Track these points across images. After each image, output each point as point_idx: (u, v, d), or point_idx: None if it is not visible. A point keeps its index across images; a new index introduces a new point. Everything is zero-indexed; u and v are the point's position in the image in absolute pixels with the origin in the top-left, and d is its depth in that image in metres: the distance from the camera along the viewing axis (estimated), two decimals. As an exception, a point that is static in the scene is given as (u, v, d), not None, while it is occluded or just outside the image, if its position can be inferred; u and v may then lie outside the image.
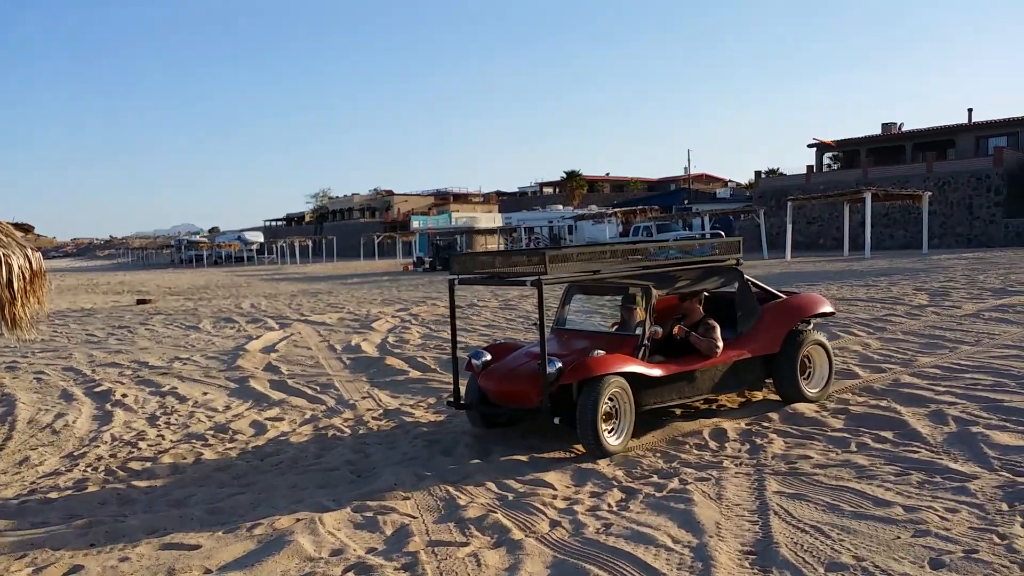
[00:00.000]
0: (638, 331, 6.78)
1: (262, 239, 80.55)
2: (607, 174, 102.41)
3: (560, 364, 6.35)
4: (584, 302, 7.76)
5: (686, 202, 61.23)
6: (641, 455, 6.34)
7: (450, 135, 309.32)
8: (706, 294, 7.67)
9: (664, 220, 42.37)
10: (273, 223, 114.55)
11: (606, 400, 6.26)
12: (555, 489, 5.64)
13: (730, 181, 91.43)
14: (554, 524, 4.98)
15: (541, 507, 5.27)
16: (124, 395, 9.73)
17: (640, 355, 6.62)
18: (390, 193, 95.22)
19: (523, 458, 6.37)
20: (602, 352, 6.49)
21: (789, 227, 36.31)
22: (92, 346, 14.49)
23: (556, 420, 6.27)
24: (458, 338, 7.71)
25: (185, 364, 11.97)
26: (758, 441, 6.52)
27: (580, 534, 4.78)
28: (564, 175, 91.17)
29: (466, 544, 4.72)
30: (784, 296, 8.06)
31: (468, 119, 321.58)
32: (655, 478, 5.77)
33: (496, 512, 5.19)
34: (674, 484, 5.58)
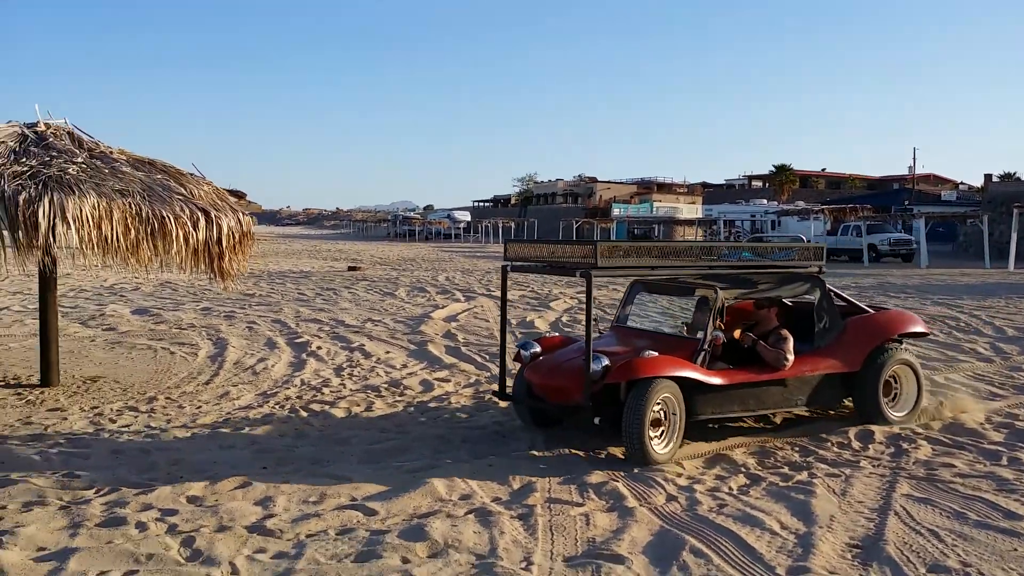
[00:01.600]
0: (699, 335, 6.39)
1: (469, 218, 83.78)
2: (823, 169, 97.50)
3: (607, 361, 6.01)
4: (649, 301, 7.46)
5: (907, 203, 57.27)
6: (779, 447, 6.37)
7: (658, 125, 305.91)
8: (789, 303, 7.32)
9: (877, 220, 39.93)
10: (481, 204, 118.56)
11: (655, 404, 5.88)
12: (683, 468, 5.83)
13: (961, 184, 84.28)
14: (670, 499, 5.21)
15: (663, 482, 5.50)
16: (318, 347, 10.81)
17: (699, 361, 6.19)
18: (593, 180, 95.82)
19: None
20: (654, 353, 6.09)
21: (1014, 235, 33.22)
22: (300, 303, 16.02)
23: (596, 420, 5.94)
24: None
25: (376, 325, 13.04)
26: (904, 446, 6.37)
27: (692, 510, 4.98)
28: (773, 168, 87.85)
29: (581, 504, 5.06)
30: (872, 311, 7.51)
31: (679, 109, 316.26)
32: (785, 469, 5.83)
33: (618, 481, 5.48)
34: (802, 476, 5.62)
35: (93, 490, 5.23)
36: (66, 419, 7.05)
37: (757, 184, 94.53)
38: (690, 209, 68.15)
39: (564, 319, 13.86)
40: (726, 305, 6.50)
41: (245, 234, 8.03)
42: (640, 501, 5.15)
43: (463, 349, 10.88)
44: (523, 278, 24.20)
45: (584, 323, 6.11)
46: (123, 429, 6.78)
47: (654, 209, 68.16)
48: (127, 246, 7.42)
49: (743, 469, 5.83)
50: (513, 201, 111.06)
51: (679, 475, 5.70)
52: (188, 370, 9.29)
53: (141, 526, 4.62)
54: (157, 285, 17.96)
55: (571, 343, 7.05)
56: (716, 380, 6.18)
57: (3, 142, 7.80)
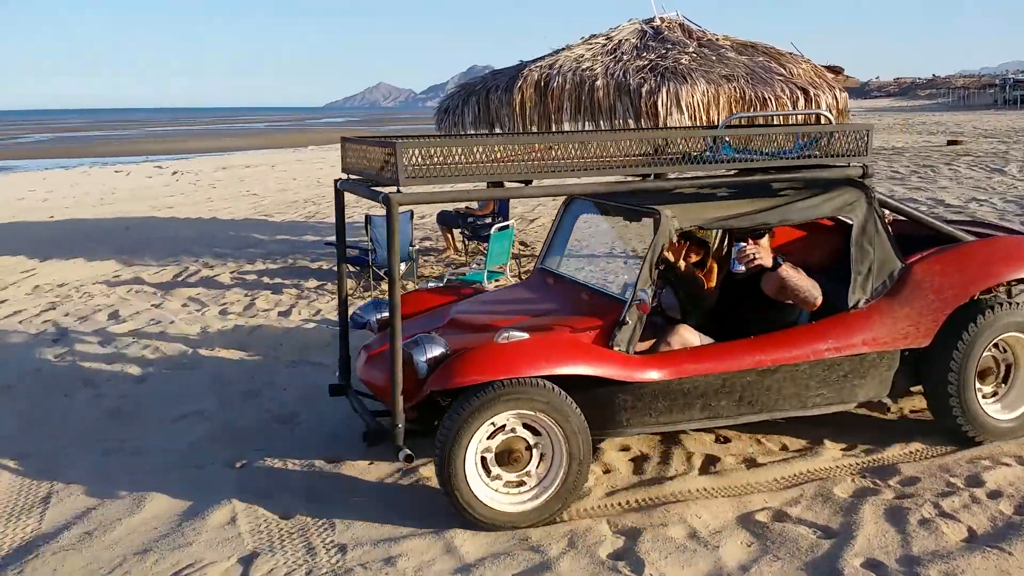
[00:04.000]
0: (627, 294, 3.93)
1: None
2: None
3: (438, 352, 3.76)
4: (593, 227, 4.89)
5: None
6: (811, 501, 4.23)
7: None
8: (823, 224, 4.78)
9: None
10: None
11: (485, 427, 3.60)
12: (572, 544, 4.32)
13: None
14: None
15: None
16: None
17: (620, 338, 3.83)
18: None
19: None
20: (517, 334, 3.73)
21: None
22: (895, 182, 15.25)
23: (401, 456, 3.67)
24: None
25: (981, 206, 11.86)
26: None
27: None
28: None
29: None
30: (968, 239, 4.53)
31: None
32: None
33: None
34: None
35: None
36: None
37: None
38: None
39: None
40: (688, 238, 4.33)
41: (840, 111, 7.98)
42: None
43: None
44: None
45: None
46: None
47: None
48: (730, 128, 8.07)
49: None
50: None
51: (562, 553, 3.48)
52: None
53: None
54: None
55: (456, 302, 4.74)
56: (650, 374, 3.80)
57: (627, 39, 8.86)
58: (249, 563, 3.51)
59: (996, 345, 4.33)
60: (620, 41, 8.77)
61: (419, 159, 3.60)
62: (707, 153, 4.07)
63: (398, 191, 3.61)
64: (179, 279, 9.28)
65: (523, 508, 3.68)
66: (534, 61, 8.77)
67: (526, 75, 8.32)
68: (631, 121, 7.91)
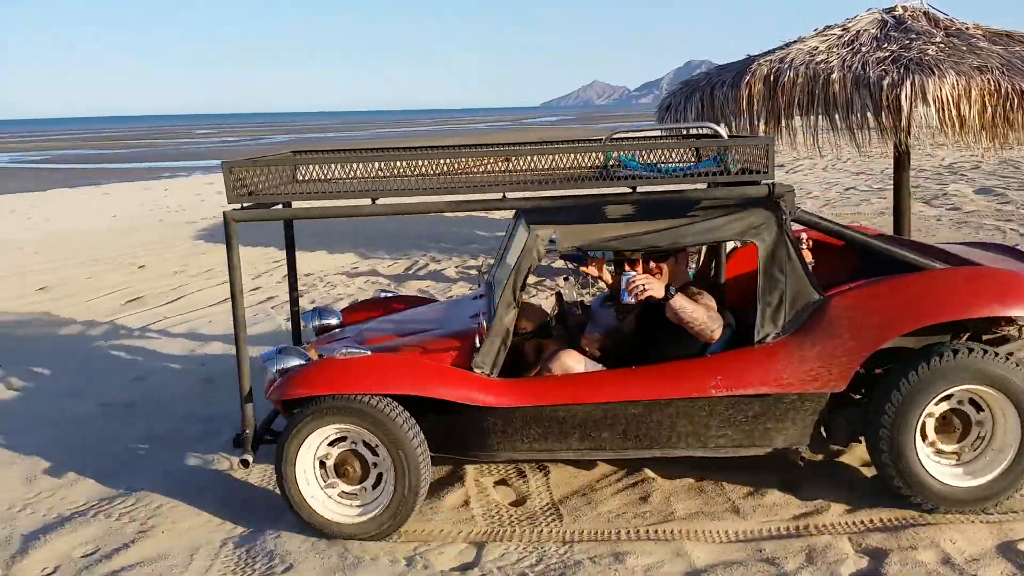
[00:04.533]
0: (481, 319, 3.84)
1: None
2: None
3: (291, 364, 3.87)
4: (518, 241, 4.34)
5: None
6: None
7: None
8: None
9: None
10: None
11: (322, 440, 3.72)
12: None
13: None
14: None
15: None
16: None
17: (484, 357, 3.73)
18: None
19: None
20: (358, 351, 3.75)
21: None
22: None
23: (238, 460, 3.84)
24: None
25: None
26: None
27: None
28: None
29: None
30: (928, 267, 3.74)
31: None
32: None
33: None
34: None
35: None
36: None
37: None
38: None
39: None
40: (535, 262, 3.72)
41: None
42: None
43: None
44: None
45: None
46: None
47: None
48: (981, 124, 7.42)
49: None
50: None
51: None
52: None
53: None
54: (997, 163, 17.10)
55: (408, 309, 4.92)
56: (502, 399, 3.65)
57: (866, 30, 8.36)
58: (482, 546, 3.67)
59: (972, 400, 3.64)
60: (858, 32, 8.28)
61: (249, 178, 3.71)
62: (610, 168, 3.86)
63: (237, 209, 3.69)
64: (410, 272, 9.84)
65: (351, 520, 3.73)
66: (763, 55, 8.47)
67: (754, 69, 8.05)
68: (869, 116, 7.46)
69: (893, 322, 3.56)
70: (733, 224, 3.68)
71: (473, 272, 9.53)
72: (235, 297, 3.70)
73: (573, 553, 3.55)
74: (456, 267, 9.93)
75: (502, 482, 4.29)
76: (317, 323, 4.78)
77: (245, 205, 3.72)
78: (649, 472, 4.19)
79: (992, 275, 3.70)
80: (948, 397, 3.61)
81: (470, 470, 4.37)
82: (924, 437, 3.65)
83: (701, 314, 3.69)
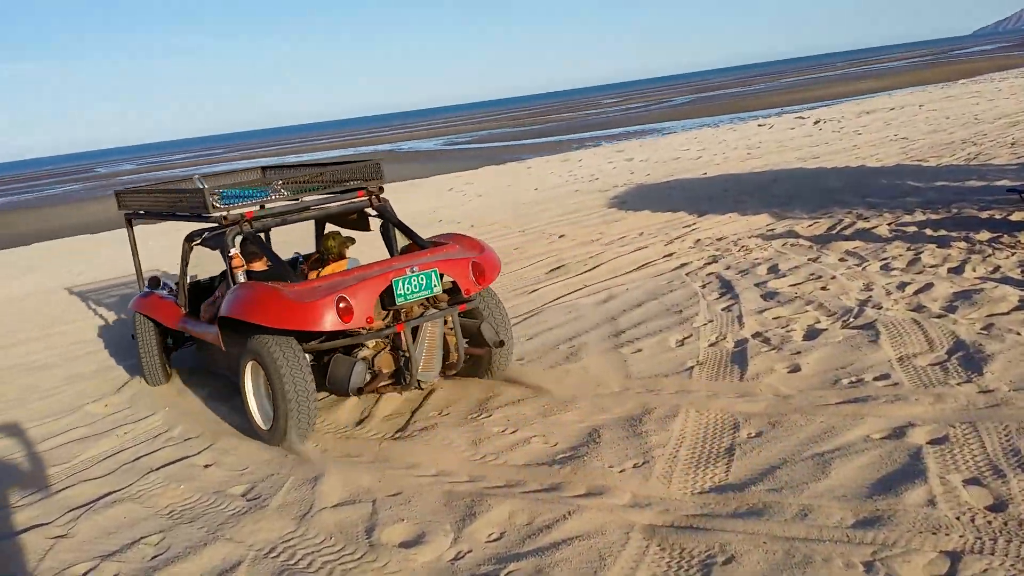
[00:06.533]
0: None
1: None
2: None
3: None
4: None
5: None
6: None
7: None
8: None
9: None
10: None
11: None
12: None
13: None
14: None
15: None
16: None
17: None
18: None
19: None
20: None
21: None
22: None
23: None
24: None
25: None
26: None
27: None
28: None
29: None
30: None
31: None
32: None
33: None
34: None
35: None
36: None
37: None
38: None
39: None
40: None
41: None
42: None
43: None
44: None
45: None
46: None
47: None
48: None
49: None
50: None
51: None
52: None
53: None
54: None
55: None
56: None
57: None
58: (957, 558, 3.09)
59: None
60: None
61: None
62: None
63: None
64: (833, 232, 9.02)
65: None
66: None
67: None
68: None
69: None
70: None
71: (911, 230, 8.44)
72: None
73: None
74: (889, 224, 8.88)
75: (973, 481, 3.63)
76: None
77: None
78: None
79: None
80: None
81: (932, 465, 3.77)
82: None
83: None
